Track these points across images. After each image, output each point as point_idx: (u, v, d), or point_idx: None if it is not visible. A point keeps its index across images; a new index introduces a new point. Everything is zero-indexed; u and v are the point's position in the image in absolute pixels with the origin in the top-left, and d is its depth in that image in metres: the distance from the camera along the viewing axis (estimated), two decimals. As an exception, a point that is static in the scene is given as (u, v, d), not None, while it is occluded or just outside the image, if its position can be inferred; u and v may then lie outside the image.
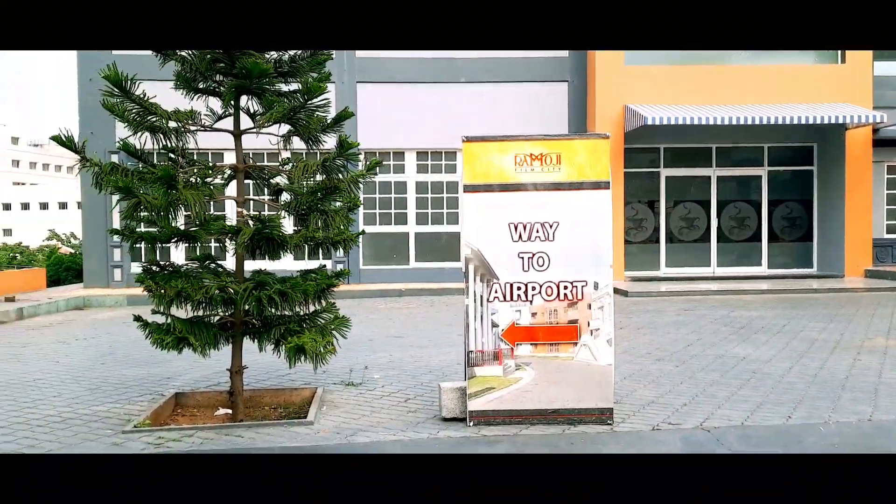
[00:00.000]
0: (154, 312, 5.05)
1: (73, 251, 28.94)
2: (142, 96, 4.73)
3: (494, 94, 16.25)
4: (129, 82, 4.66)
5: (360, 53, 15.72)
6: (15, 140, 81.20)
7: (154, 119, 4.87)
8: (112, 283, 16.18)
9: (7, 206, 72.52)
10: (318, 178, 5.35)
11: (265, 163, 6.08)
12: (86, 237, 16.51)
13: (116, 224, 16.31)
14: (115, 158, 16.10)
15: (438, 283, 15.73)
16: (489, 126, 15.85)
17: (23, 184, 77.75)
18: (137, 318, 5.21)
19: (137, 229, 5.16)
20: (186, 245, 5.34)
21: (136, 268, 16.39)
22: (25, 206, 72.68)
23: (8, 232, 64.92)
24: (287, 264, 5.59)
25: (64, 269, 20.64)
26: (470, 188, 4.87)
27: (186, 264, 5.42)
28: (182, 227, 4.99)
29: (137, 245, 4.99)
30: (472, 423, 4.85)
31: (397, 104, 15.96)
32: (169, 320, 5.00)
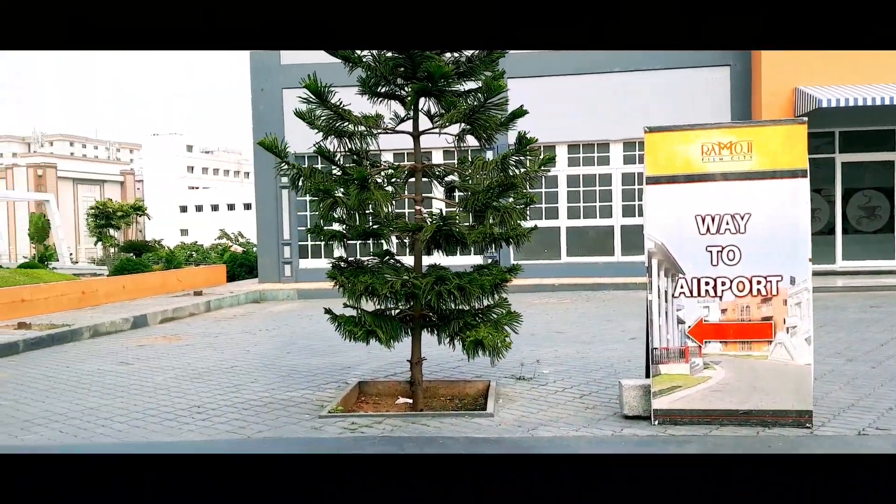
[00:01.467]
0: (345, 306, 5.37)
1: (243, 249, 31.41)
2: (337, 104, 5.04)
3: (649, 81, 15.72)
4: (325, 91, 4.97)
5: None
6: (189, 148, 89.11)
7: (344, 124, 5.17)
8: (283, 279, 17.37)
9: (183, 209, 79.80)
10: (492, 174, 5.44)
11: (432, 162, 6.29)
12: (259, 236, 17.80)
13: (286, 224, 17.50)
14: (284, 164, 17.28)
15: (592, 277, 15.48)
16: (647, 116, 15.38)
17: (196, 188, 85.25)
18: (328, 312, 5.56)
19: (325, 228, 5.52)
20: (368, 242, 5.64)
21: (305, 264, 17.51)
22: (199, 208, 79.60)
23: (184, 232, 71.41)
24: (434, 260, 5.74)
25: (238, 265, 22.38)
26: (653, 180, 4.75)
27: (367, 260, 5.71)
28: (369, 226, 5.27)
29: (331, 242, 5.31)
30: (656, 422, 4.74)
31: (548, 97, 15.85)
32: (358, 314, 5.29)
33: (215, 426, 5.09)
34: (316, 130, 5.43)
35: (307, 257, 17.58)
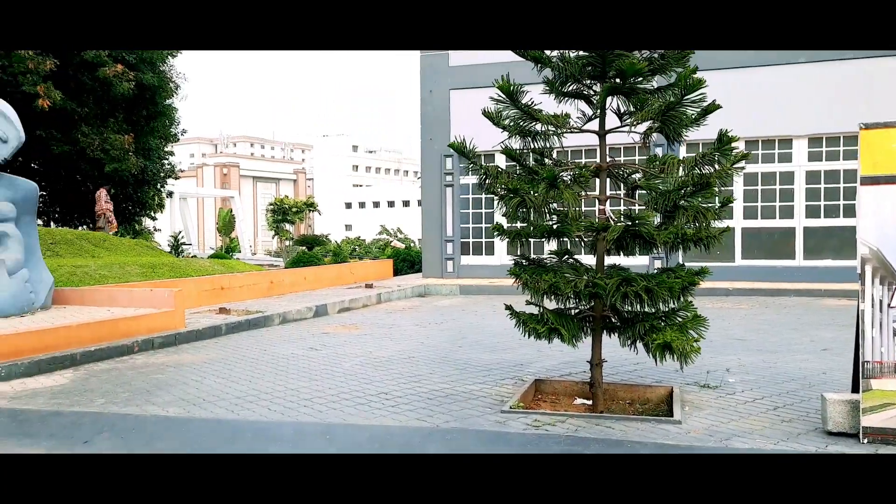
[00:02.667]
0: (528, 303, 5.44)
1: (403, 245, 32.66)
2: (528, 104, 5.12)
3: (838, 72, 14.43)
4: (516, 92, 5.07)
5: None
6: (354, 147, 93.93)
7: (532, 124, 5.24)
8: (445, 274, 17.86)
9: (348, 205, 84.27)
10: (681, 173, 5.27)
11: (620, 159, 6.15)
12: (424, 233, 18.42)
13: (450, 221, 17.96)
14: (449, 162, 17.73)
15: (770, 282, 14.51)
16: (835, 110, 14.17)
17: (360, 185, 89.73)
18: (508, 308, 5.65)
19: (505, 226, 5.62)
20: (533, 241, 5.66)
21: (466, 260, 17.89)
22: (362, 205, 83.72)
23: (348, 227, 75.47)
24: (610, 260, 5.63)
25: (400, 260, 23.27)
26: (869, 180, 4.39)
27: (546, 259, 5.75)
28: (553, 225, 5.30)
29: (518, 240, 5.40)
30: (865, 441, 4.38)
31: (722, 91, 15.00)
32: (541, 311, 5.34)
33: (404, 413, 5.36)
34: (501, 130, 5.56)
35: (468, 254, 17.96)
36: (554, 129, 5.25)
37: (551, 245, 6.00)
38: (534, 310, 5.51)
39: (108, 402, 5.81)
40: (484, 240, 17.80)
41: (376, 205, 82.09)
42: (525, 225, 5.51)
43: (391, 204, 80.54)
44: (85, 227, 21.85)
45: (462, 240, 17.93)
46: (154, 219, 26.92)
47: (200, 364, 7.45)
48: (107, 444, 4.79)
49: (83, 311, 9.13)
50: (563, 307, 5.55)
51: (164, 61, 20.00)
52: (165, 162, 24.57)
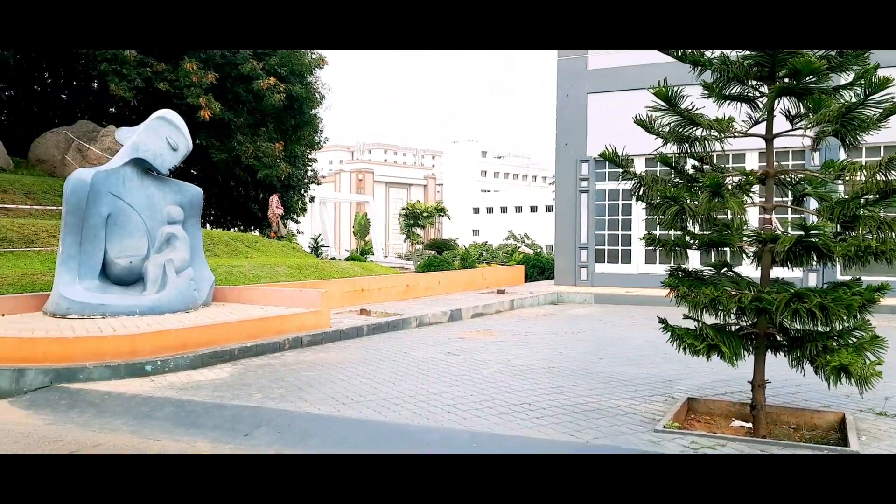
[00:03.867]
0: (686, 318, 5.17)
1: (531, 250, 32.44)
2: (689, 108, 4.87)
3: None
4: (676, 97, 4.84)
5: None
6: (483, 153, 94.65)
7: (692, 129, 4.97)
8: (578, 282, 17.51)
9: (476, 210, 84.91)
10: (859, 178, 4.81)
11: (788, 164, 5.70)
12: (557, 239, 18.16)
13: (584, 228, 17.61)
14: (584, 168, 17.39)
15: (948, 300, 13.02)
16: None
17: (488, 191, 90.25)
18: (662, 322, 5.40)
19: (657, 235, 5.37)
20: (706, 251, 5.35)
21: (600, 268, 17.45)
22: (489, 210, 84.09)
23: (475, 232, 76.03)
24: (750, 271, 5.19)
25: (530, 266, 23.09)
26: None
27: (704, 271, 5.43)
28: (714, 235, 5.00)
29: (676, 249, 5.14)
30: None
31: None
32: (699, 327, 5.05)
33: (550, 426, 5.25)
34: (655, 137, 5.32)
35: (603, 262, 17.51)
36: (716, 134, 4.96)
37: (707, 256, 5.68)
38: (689, 324, 5.22)
39: (265, 398, 6.12)
40: (620, 247, 17.29)
41: (503, 210, 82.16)
42: (680, 234, 5.24)
43: (518, 209, 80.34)
44: (236, 229, 23.41)
45: (597, 247, 17.52)
46: (297, 222, 28.37)
47: (346, 364, 7.70)
48: (266, 439, 5.02)
49: (239, 309, 9.73)
50: (722, 322, 5.23)
51: (311, 73, 21.05)
52: (309, 168, 25.85)
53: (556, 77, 17.78)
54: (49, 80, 21.41)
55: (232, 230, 22.33)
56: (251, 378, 6.94)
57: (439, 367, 7.57)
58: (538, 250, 32.68)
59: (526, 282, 19.71)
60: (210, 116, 17.25)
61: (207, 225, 23.80)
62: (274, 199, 20.66)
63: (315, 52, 21.59)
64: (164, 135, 9.56)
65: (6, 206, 12.79)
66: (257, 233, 22.64)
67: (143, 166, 9.48)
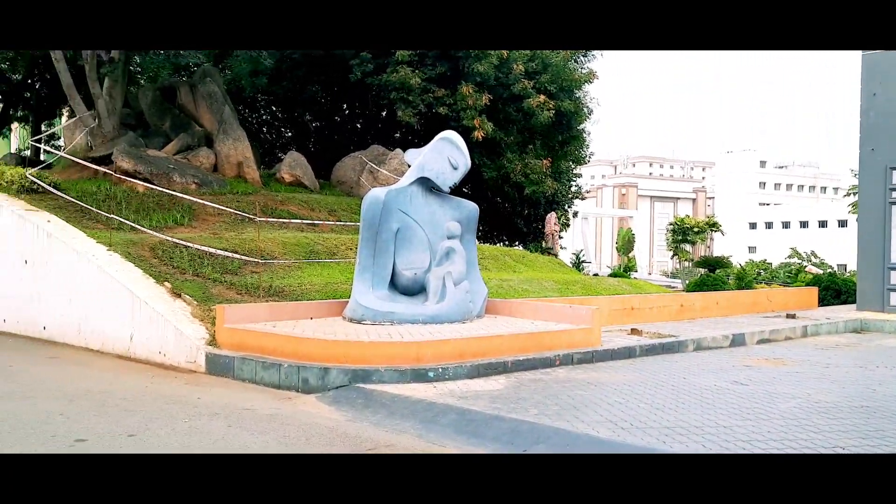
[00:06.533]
0: None
1: (820, 270, 28.75)
2: None
3: None
4: None
5: None
6: (762, 163, 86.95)
7: None
8: (887, 308, 15.06)
9: (752, 225, 78.17)
10: None
11: None
12: (860, 258, 15.85)
13: (894, 247, 15.13)
14: (895, 176, 14.95)
15: None
16: None
17: (766, 204, 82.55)
18: None
19: None
20: None
21: (918, 294, 14.83)
22: (768, 225, 76.86)
23: (752, 249, 69.84)
24: None
25: (823, 288, 20.47)
26: None
27: None
28: None
29: None
30: None
31: None
32: None
33: None
34: None
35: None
36: None
37: None
38: None
39: (541, 414, 6.08)
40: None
41: (786, 225, 74.54)
42: None
43: (804, 224, 72.28)
44: (501, 244, 24.17)
45: (912, 269, 14.92)
46: (560, 237, 28.51)
47: (620, 385, 7.40)
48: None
49: (510, 322, 9.91)
50: None
51: (580, 88, 21.02)
52: (573, 184, 25.81)
53: (861, 74, 15.57)
54: (346, 112, 24.16)
55: (497, 245, 23.11)
56: (525, 392, 6.97)
57: (726, 396, 6.91)
58: (828, 270, 28.90)
59: (819, 306, 17.47)
60: (483, 136, 18.03)
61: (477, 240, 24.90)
62: (552, 217, 21.03)
63: (585, 66, 21.51)
64: (446, 154, 10.14)
65: (314, 222, 14.60)
66: (521, 247, 23.13)
67: (427, 184, 10.15)
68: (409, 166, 10.66)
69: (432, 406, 6.46)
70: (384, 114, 22.19)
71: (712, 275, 24.84)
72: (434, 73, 18.53)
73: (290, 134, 25.48)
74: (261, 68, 19.81)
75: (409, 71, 17.97)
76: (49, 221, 11.43)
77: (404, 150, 16.97)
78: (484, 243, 22.57)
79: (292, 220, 14.09)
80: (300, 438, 5.71)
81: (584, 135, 22.67)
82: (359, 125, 23.99)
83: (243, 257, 11.23)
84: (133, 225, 11.92)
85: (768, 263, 34.75)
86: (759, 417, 6.03)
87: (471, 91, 18.04)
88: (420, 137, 18.90)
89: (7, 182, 12.84)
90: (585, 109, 21.67)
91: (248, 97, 22.80)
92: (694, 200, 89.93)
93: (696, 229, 45.04)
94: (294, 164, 17.91)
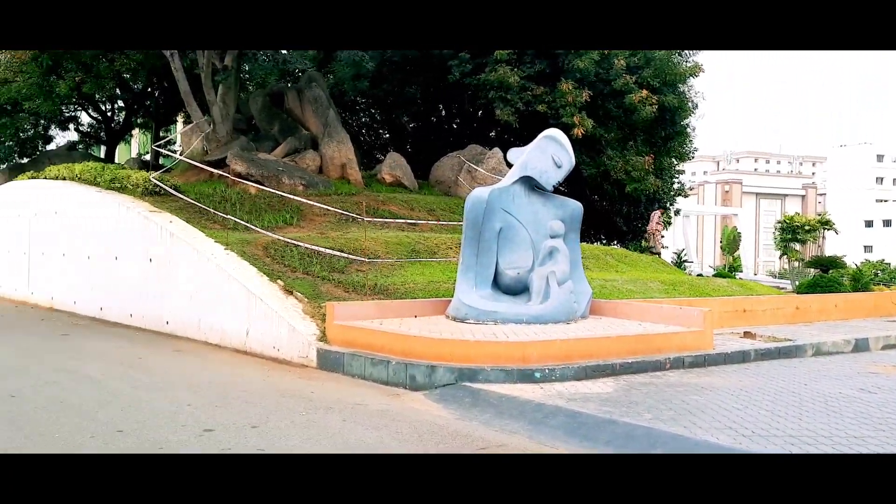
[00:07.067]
0: None
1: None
2: None
3: None
4: None
5: None
6: (879, 157, 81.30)
7: None
8: None
9: (868, 223, 73.31)
10: None
11: None
12: None
13: None
14: None
15: None
16: None
17: (885, 200, 77.14)
18: None
19: None
20: None
21: None
22: (886, 223, 71.90)
23: (868, 248, 65.43)
24: None
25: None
26: None
27: None
28: None
29: None
30: None
31: None
32: None
33: None
34: None
35: None
36: None
37: None
38: None
39: (655, 419, 5.93)
40: None
41: (907, 223, 69.37)
42: None
43: (915, 222, 67.05)
44: (599, 242, 23.70)
45: None
46: (662, 236, 27.66)
47: (736, 391, 7.11)
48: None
49: (616, 323, 9.71)
50: None
51: (685, 82, 20.32)
52: (675, 181, 24.96)
53: None
54: (443, 113, 24.36)
55: (595, 244, 22.67)
56: (636, 396, 6.81)
57: (853, 405, 6.51)
58: (967, 271, 26.66)
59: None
60: (582, 133, 17.74)
61: (576, 239, 24.49)
62: (656, 216, 20.52)
63: (690, 59, 20.75)
64: (549, 153, 10.05)
65: (415, 221, 14.84)
66: (619, 246, 22.58)
67: (530, 183, 10.09)
68: (510, 165, 10.63)
69: (541, 407, 6.43)
70: (480, 113, 22.24)
71: (826, 276, 23.41)
72: (532, 71, 18.40)
73: (387, 135, 25.98)
74: (362, 72, 20.30)
75: (507, 69, 17.93)
76: (171, 222, 12.16)
77: (502, 149, 16.99)
78: (582, 242, 22.23)
79: (394, 220, 14.37)
80: (412, 435, 5.82)
81: (689, 130, 21.90)
82: (455, 125, 24.15)
83: (349, 256, 11.55)
84: (247, 225, 12.50)
85: (886, 264, 32.47)
86: (893, 428, 5.65)
87: (570, 88, 17.80)
88: (517, 136, 18.79)
89: (133, 185, 13.76)
90: (690, 104, 20.94)
91: (349, 100, 23.42)
92: (803, 197, 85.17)
93: (806, 227, 42.46)
94: (394, 165, 18.26)
